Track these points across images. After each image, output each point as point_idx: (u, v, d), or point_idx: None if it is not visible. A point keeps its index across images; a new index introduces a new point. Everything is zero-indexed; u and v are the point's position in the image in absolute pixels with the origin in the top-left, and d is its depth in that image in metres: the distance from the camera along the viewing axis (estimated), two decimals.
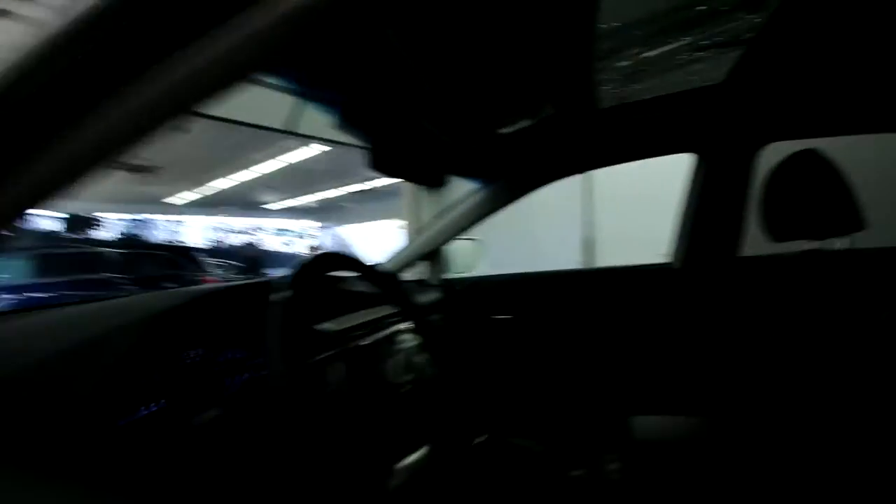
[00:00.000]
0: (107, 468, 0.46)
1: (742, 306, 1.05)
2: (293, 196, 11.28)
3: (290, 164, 7.87)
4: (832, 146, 0.94)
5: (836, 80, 0.97)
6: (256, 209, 12.29)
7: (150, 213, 10.82)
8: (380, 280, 0.89)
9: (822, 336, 0.91)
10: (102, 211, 9.55)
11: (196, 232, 11.92)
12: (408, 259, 1.69)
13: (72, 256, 6.13)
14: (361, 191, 10.62)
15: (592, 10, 0.70)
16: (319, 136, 4.61)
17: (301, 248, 13.32)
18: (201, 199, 10.52)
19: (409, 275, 1.72)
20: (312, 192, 10.87)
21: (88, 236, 9.08)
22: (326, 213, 13.36)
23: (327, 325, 0.80)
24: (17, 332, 0.59)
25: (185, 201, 10.75)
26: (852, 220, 0.87)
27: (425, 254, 1.69)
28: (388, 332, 0.92)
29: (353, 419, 0.70)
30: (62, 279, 5.44)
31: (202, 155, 7.00)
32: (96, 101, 0.30)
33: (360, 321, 0.90)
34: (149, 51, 0.29)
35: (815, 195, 0.88)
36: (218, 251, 10.62)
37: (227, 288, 0.76)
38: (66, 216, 8.90)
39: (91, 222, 9.41)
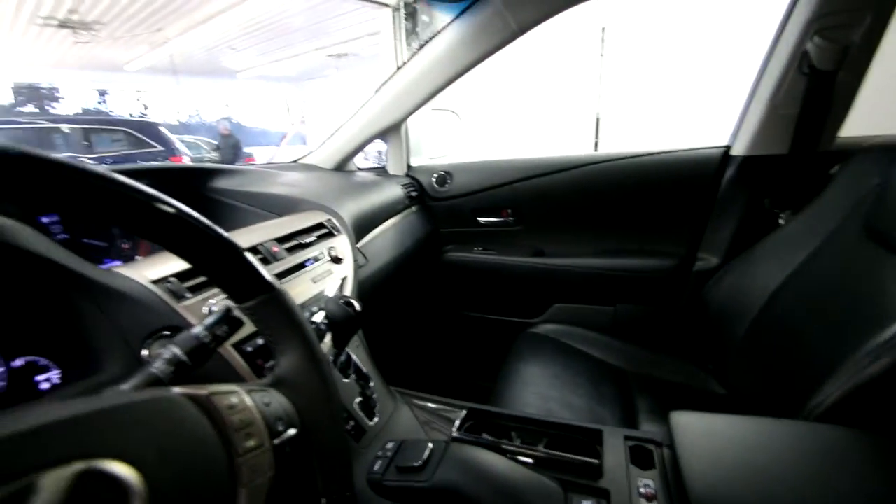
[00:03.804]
0: None
1: None
2: (264, 58, 9.68)
3: (256, 16, 6.53)
4: None
5: None
6: (226, 75, 10.81)
7: (109, 80, 9.96)
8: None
9: None
10: (58, 80, 9.07)
11: (164, 103, 10.89)
12: (350, 144, 1.40)
13: (29, 132, 5.47)
14: (340, 54, 9.12)
15: None
16: None
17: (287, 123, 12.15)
18: (162, 63, 8.75)
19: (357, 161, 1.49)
20: (285, 55, 9.37)
21: (46, 109, 8.78)
22: (305, 80, 12.21)
23: None
24: None
25: (146, 66, 8.99)
26: None
27: (379, 132, 1.39)
28: None
29: None
30: None
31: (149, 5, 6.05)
32: None
33: None
34: None
35: None
36: (189, 126, 9.84)
37: None
38: (22, 87, 8.39)
39: (47, 95, 8.77)
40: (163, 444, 0.25)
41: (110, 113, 10.15)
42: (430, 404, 0.83)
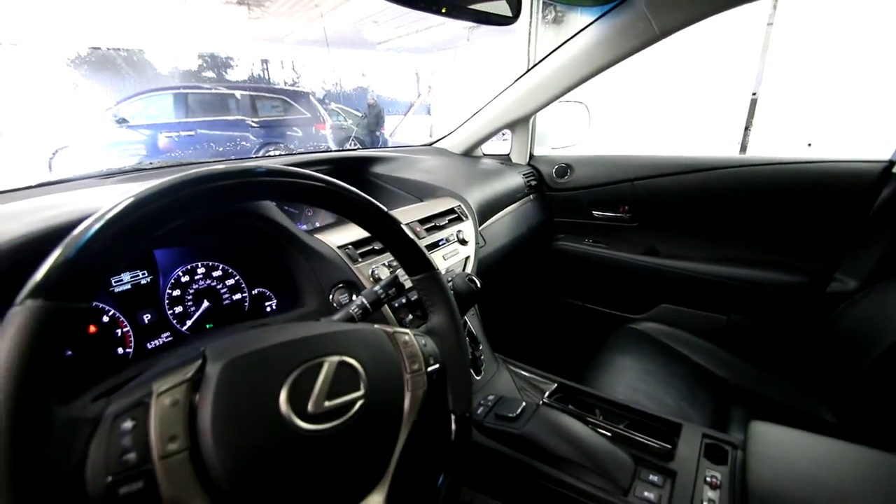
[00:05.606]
0: None
1: None
2: (401, 30, 10.46)
3: None
4: None
5: None
6: (366, 46, 11.85)
7: (271, 51, 11.29)
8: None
9: None
10: (232, 50, 10.52)
11: (312, 72, 12.00)
12: (479, 133, 1.55)
13: (212, 96, 7.04)
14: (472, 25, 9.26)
15: None
16: None
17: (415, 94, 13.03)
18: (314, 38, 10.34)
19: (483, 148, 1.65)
20: (420, 26, 10.00)
21: (222, 74, 10.36)
22: (434, 51, 12.43)
23: None
24: None
25: (301, 39, 10.81)
26: None
27: (508, 123, 1.52)
28: None
29: None
30: (202, 118, 6.42)
31: None
32: None
33: None
34: None
35: None
36: (331, 95, 11.02)
37: None
38: (206, 56, 10.28)
39: (223, 63, 10.59)
40: (373, 355, 0.44)
41: (270, 80, 11.86)
42: (525, 373, 0.97)
